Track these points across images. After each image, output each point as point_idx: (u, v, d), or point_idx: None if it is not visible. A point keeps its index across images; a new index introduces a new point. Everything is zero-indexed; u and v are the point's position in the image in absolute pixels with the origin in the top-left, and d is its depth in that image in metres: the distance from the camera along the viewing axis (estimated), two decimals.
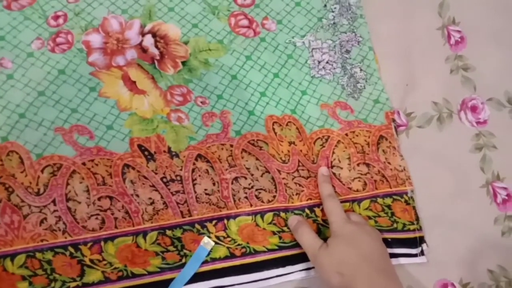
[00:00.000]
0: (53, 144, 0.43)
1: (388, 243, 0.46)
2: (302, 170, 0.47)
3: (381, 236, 0.44)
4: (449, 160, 0.50)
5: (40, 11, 0.47)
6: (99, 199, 0.43)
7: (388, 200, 0.48)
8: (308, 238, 0.42)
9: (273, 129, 0.48)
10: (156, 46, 0.48)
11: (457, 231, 0.48)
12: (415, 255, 0.46)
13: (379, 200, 0.48)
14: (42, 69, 0.45)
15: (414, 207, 0.48)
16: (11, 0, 0.47)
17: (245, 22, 0.51)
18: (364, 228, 0.42)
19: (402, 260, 0.46)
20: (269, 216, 0.45)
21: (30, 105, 0.44)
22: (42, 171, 0.42)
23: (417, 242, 0.46)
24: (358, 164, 0.48)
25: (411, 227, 0.47)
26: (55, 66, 0.46)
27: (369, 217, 0.47)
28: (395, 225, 0.47)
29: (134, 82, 0.47)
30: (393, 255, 0.45)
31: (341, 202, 0.46)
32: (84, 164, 0.43)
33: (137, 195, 0.43)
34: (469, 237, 0.48)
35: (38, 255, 0.40)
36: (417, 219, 0.47)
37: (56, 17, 0.47)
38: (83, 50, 0.47)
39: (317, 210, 0.46)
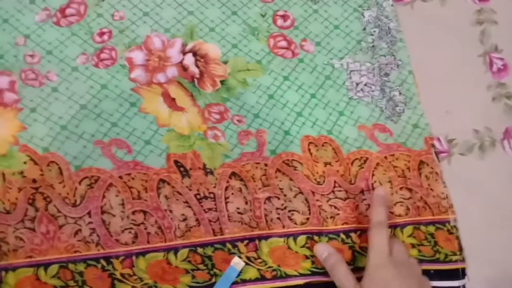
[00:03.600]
0: (92, 157, 0.44)
1: (430, 275, 0.43)
2: (339, 191, 0.46)
3: (422, 267, 0.42)
4: (491, 190, 0.48)
5: (87, 27, 0.49)
6: (133, 213, 0.43)
7: (431, 228, 0.46)
8: (341, 278, 0.39)
9: (309, 149, 0.47)
10: (196, 65, 0.49)
11: (497, 266, 0.45)
12: None
13: (422, 227, 0.46)
14: (85, 83, 0.47)
15: (457, 237, 0.46)
16: (61, 17, 0.49)
17: (283, 43, 0.52)
18: (405, 269, 0.39)
19: None
20: (302, 239, 0.44)
21: (72, 118, 0.45)
22: (80, 182, 0.43)
23: (460, 274, 0.44)
24: (400, 188, 0.47)
25: (453, 258, 0.45)
26: (98, 81, 0.47)
27: (413, 246, 0.45)
28: (437, 255, 0.45)
29: (174, 99, 0.47)
30: None
31: None
32: (120, 177, 0.43)
33: (171, 211, 0.43)
34: (511, 273, 0.45)
35: (70, 266, 0.40)
36: (460, 249, 0.45)
37: (101, 34, 0.49)
38: (126, 66, 0.48)
39: (353, 235, 0.45)
